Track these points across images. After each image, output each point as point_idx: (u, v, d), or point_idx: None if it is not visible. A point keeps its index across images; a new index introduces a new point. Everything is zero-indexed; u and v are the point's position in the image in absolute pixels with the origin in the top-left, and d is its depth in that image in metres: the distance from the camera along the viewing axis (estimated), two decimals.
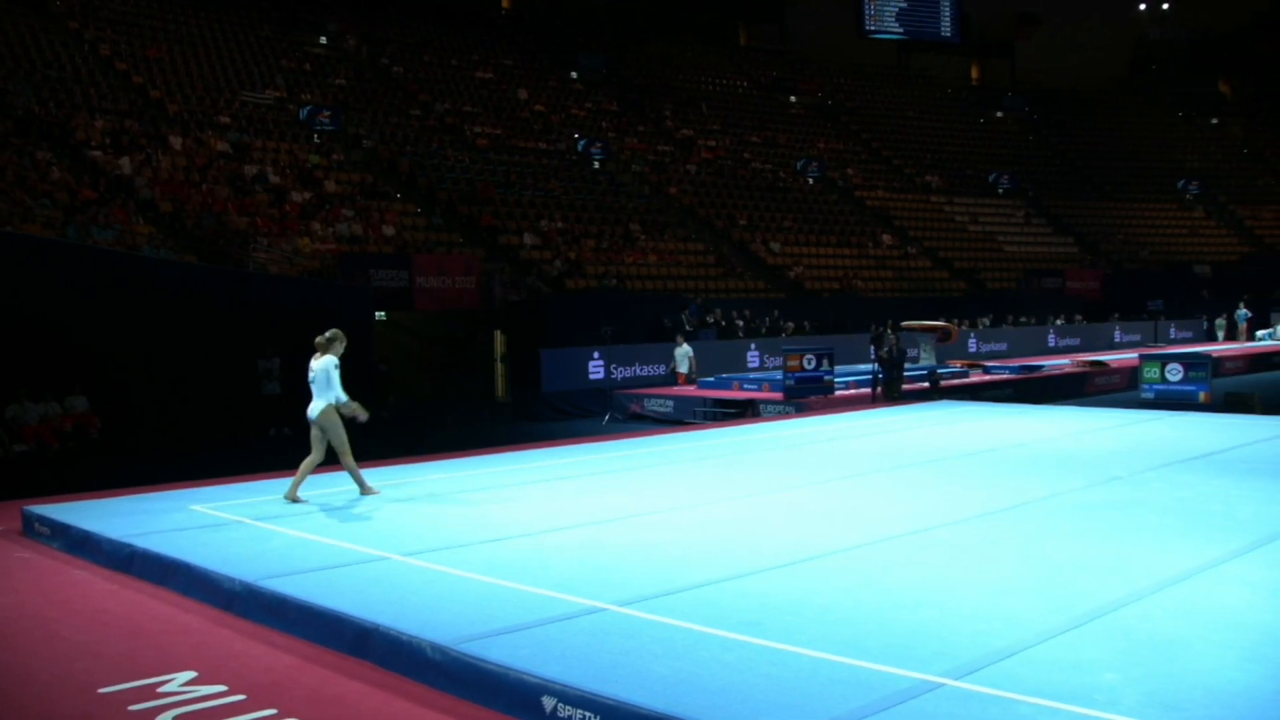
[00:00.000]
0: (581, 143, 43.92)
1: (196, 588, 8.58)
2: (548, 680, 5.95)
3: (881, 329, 26.70)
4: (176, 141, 32.37)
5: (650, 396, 25.27)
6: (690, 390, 26.16)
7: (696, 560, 8.67)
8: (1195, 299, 49.84)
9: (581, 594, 7.61)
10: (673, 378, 27.15)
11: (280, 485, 12.14)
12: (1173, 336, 45.99)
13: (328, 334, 11.69)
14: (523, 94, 46.87)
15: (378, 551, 9.05)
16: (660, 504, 11.10)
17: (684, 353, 26.90)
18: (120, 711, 6.21)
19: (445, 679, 6.45)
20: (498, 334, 28.85)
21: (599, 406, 25.55)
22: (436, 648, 6.56)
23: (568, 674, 5.99)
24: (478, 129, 41.96)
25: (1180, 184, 60.00)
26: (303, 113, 37.61)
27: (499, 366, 28.23)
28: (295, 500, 11.50)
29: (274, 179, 32.26)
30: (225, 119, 35.09)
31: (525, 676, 6.05)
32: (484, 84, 46.52)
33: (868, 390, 24.59)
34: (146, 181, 29.31)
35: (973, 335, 37.24)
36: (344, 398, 11.50)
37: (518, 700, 6.03)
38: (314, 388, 11.58)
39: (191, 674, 6.78)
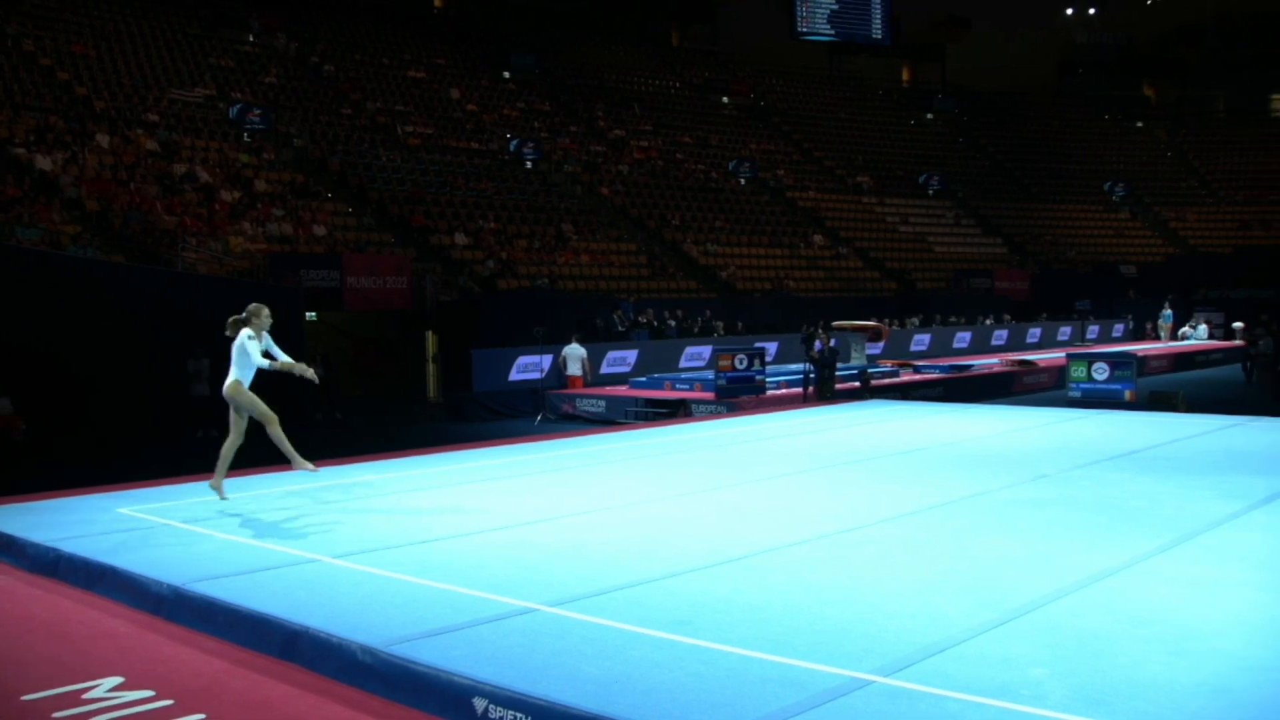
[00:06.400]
0: (514, 143, 43.82)
1: (123, 592, 8.47)
2: (479, 681, 5.94)
3: (813, 329, 26.85)
4: (104, 139, 31.97)
5: (582, 396, 25.26)
6: (623, 390, 26.18)
7: (627, 560, 8.69)
8: (1121, 299, 50.55)
9: (513, 595, 7.60)
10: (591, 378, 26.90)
11: (209, 488, 12.04)
12: (1115, 335, 46.71)
13: (243, 313, 11.31)
14: (455, 93, 46.71)
15: (308, 554, 8.98)
16: (591, 504, 11.10)
17: (576, 353, 26.26)
18: (44, 719, 6.13)
19: (375, 681, 6.41)
20: (429, 334, 28.72)
21: (531, 406, 25.52)
22: (367, 650, 6.53)
23: (499, 675, 5.98)
24: (409, 128, 41.77)
25: (1106, 186, 60.88)
26: (232, 111, 37.25)
27: (430, 367, 28.11)
28: (218, 490, 11.42)
29: (203, 178, 31.93)
30: (153, 117, 34.68)
31: (456, 678, 6.03)
32: (416, 83, 46.30)
33: (800, 390, 24.71)
34: (72, 180, 28.92)
35: (918, 333, 37.55)
36: (266, 362, 11.22)
37: (449, 702, 6.01)
38: (231, 366, 11.32)
39: (118, 679, 6.69)
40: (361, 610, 7.31)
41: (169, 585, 8.09)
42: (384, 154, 38.87)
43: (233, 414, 11.38)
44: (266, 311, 11.38)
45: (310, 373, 11.38)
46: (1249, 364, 32.20)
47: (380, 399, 28.03)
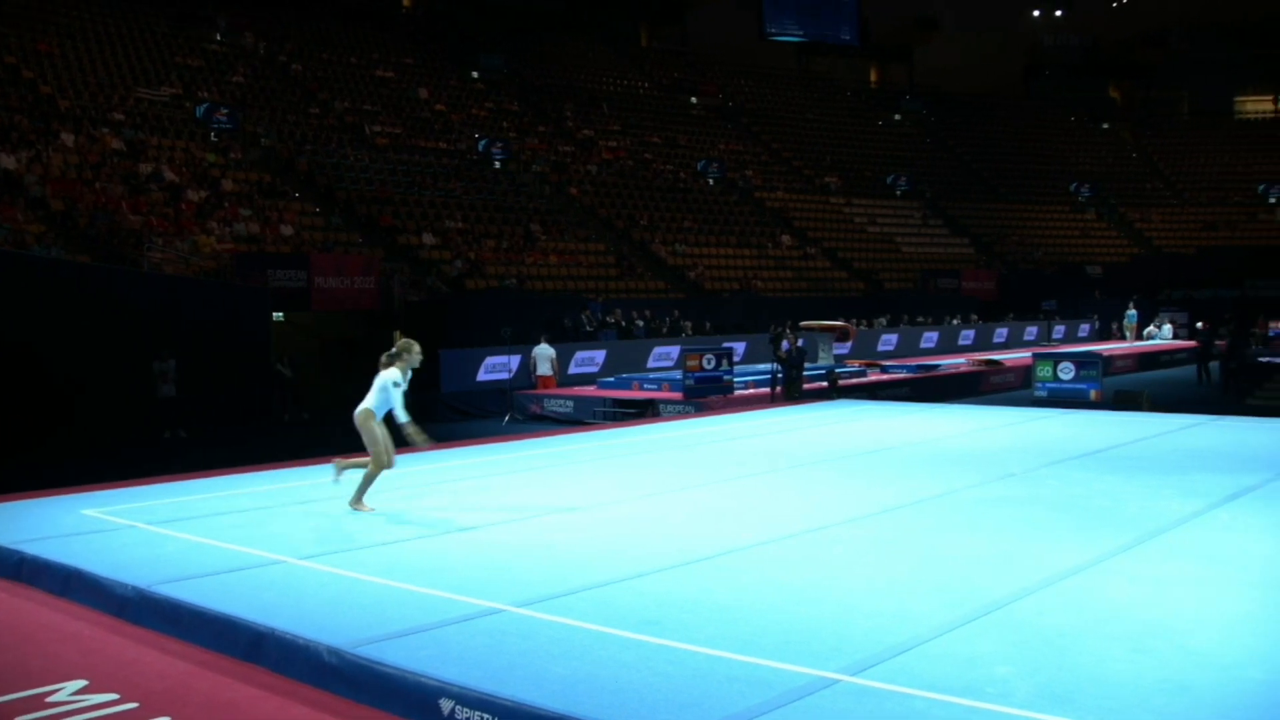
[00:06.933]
0: (482, 142, 43.75)
1: (88, 594, 8.42)
2: (445, 682, 5.94)
3: (781, 329, 26.89)
4: (68, 138, 31.76)
5: (550, 397, 25.23)
6: (590, 390, 26.16)
7: (595, 560, 8.70)
8: (1087, 299, 50.85)
9: (480, 595, 7.60)
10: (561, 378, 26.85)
11: (175, 489, 12.00)
12: (1081, 335, 46.99)
13: (394, 347, 11.04)
14: (423, 93, 46.60)
15: (274, 555, 8.95)
16: (559, 504, 11.10)
17: (545, 353, 25.96)
18: None
19: (341, 683, 6.40)
20: (397, 334, 28.60)
21: (499, 407, 25.48)
22: (332, 651, 6.52)
23: (465, 676, 5.98)
24: (377, 128, 41.65)
25: (1072, 187, 61.26)
26: (199, 110, 37.08)
27: None
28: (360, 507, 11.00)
29: (169, 177, 31.76)
30: (119, 116, 34.48)
31: (422, 679, 6.03)
32: (384, 83, 46.17)
33: (767, 390, 24.75)
34: (37, 179, 28.72)
35: (885, 333, 37.66)
36: (404, 416, 10.78)
37: (415, 703, 6.01)
38: (370, 392, 10.96)
39: (82, 683, 6.66)
40: (328, 611, 7.30)
41: (134, 587, 8.05)
42: (352, 153, 38.77)
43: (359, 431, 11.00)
44: (418, 348, 11.16)
45: (422, 441, 10.88)
46: (1202, 365, 32.43)
47: (347, 399, 27.88)
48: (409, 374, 11.02)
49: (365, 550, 9.12)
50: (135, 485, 12.81)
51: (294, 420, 24.82)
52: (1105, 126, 68.75)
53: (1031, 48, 72.70)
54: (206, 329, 23.53)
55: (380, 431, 10.84)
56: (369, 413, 10.83)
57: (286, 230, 31.75)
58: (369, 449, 10.88)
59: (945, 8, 66.95)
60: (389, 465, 10.91)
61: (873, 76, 71.44)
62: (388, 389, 10.82)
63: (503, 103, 49.14)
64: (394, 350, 11.01)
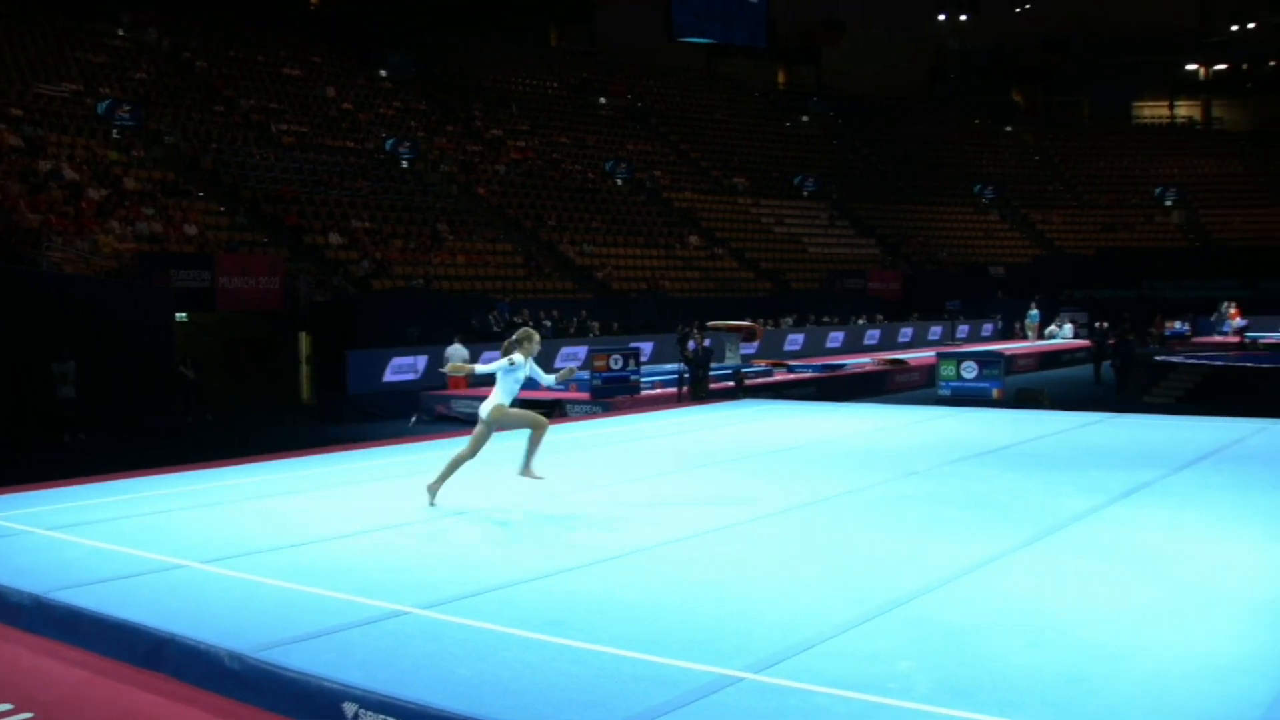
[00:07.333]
0: (389, 142, 43.44)
1: None
2: (349, 686, 5.92)
3: (688, 329, 27.03)
4: None
5: (457, 398, 25.14)
6: None
7: (501, 561, 8.71)
8: (991, 299, 51.60)
9: (384, 598, 7.57)
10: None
11: (75, 493, 11.84)
12: (984, 334, 47.64)
13: (516, 334, 11.24)
14: (330, 92, 46.17)
15: (175, 559, 8.85)
16: (466, 505, 11.08)
17: (458, 354, 25.87)
18: None
19: (244, 688, 6.35)
20: (303, 335, 28.40)
21: (406, 408, 25.35)
22: (235, 656, 6.46)
23: (369, 679, 5.97)
24: (284, 127, 41.20)
25: (976, 188, 62.08)
26: (101, 107, 36.44)
27: (304, 368, 27.80)
28: (433, 494, 11.24)
29: (70, 175, 31.18)
30: (17, 111, 33.77)
31: (326, 683, 6.01)
32: (290, 81, 45.69)
33: (675, 390, 24.86)
34: None
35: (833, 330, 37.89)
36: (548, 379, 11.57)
37: (318, 708, 5.98)
38: (495, 388, 11.20)
39: None
40: (230, 616, 7.24)
41: (30, 594, 7.93)
42: (258, 152, 38.34)
43: (480, 429, 11.16)
44: (537, 338, 11.31)
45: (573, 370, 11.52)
46: (1099, 365, 33.09)
47: (252, 401, 27.66)
48: (530, 361, 11.16)
49: (270, 554, 9.06)
50: (33, 489, 12.58)
51: (197, 422, 24.55)
52: (1008, 129, 69.75)
53: (937, 51, 73.54)
54: (107, 330, 23.17)
55: (517, 412, 11.26)
56: (500, 407, 11.08)
57: (190, 230, 31.33)
58: (521, 424, 11.30)
59: (852, 11, 67.50)
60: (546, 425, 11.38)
61: (780, 78, 71.83)
62: (510, 372, 11.05)
63: (410, 102, 48.83)
64: (515, 338, 11.17)
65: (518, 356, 10.98)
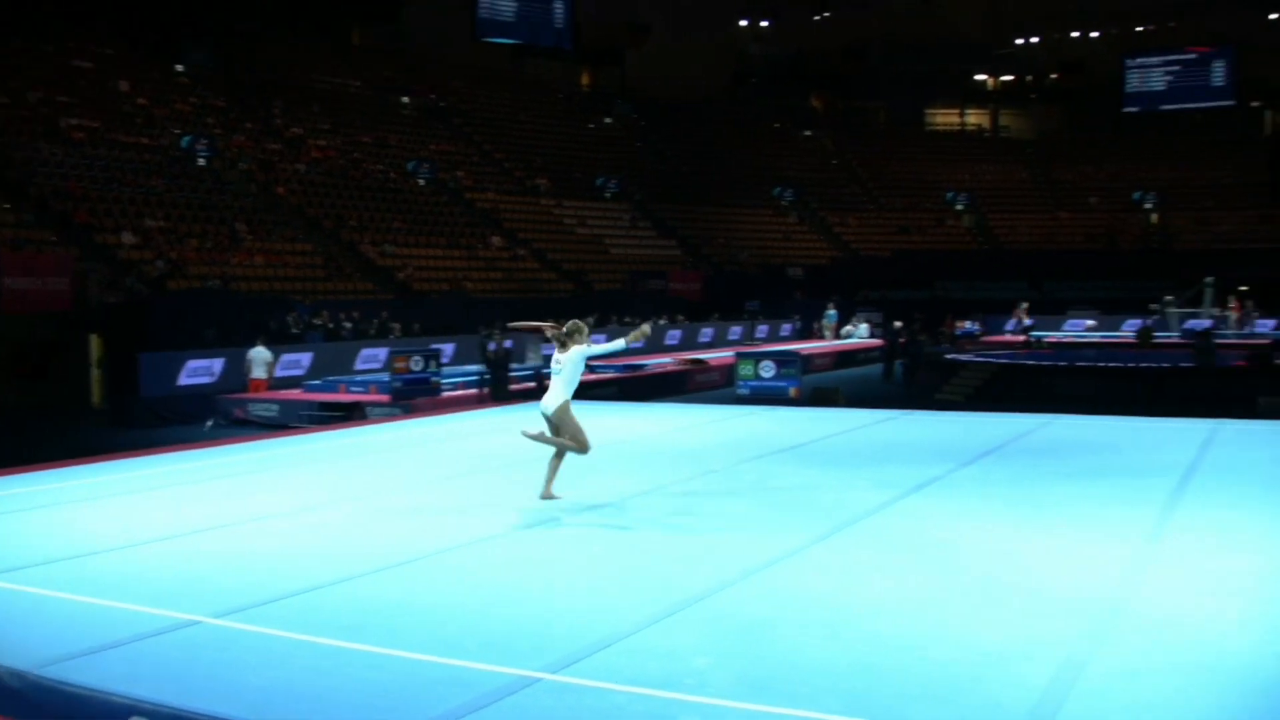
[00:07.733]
0: (186, 139, 42.38)
1: None
2: (137, 700, 5.92)
3: (490, 330, 27.06)
4: None
5: (254, 401, 24.79)
6: (296, 394, 25.79)
7: (297, 567, 8.73)
8: (790, 300, 52.61)
9: (175, 608, 7.55)
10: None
11: None
12: (783, 334, 48.48)
13: (566, 326, 11.34)
14: (124, 86, 44.82)
15: None
16: (261, 511, 11.04)
17: (261, 356, 25.66)
18: None
19: (27, 707, 6.27)
20: (93, 337, 27.62)
21: (202, 412, 24.87)
22: (16, 674, 6.39)
23: (158, 692, 5.97)
24: (74, 121, 39.88)
25: (776, 191, 63.23)
26: None
27: (94, 372, 27.04)
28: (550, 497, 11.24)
29: None
30: None
31: (113, 698, 5.99)
32: (81, 73, 44.22)
33: (476, 391, 24.89)
34: None
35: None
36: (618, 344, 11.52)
37: None
38: (557, 381, 11.16)
39: None
40: (12, 632, 7.15)
41: None
42: (45, 147, 37.07)
43: (547, 427, 11.21)
44: (585, 326, 11.51)
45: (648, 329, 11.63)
46: (890, 363, 34.04)
47: (38, 406, 26.80)
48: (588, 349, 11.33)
49: (54, 565, 8.91)
50: None
51: None
52: (808, 134, 71.18)
53: (740, 57, 74.63)
54: None
55: (579, 423, 11.28)
56: (567, 404, 11.13)
57: None
58: (574, 437, 11.20)
59: (657, 14, 68.08)
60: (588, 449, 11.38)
61: (585, 80, 72.13)
62: (579, 365, 11.20)
63: (208, 98, 47.72)
64: (567, 330, 11.34)
65: (582, 346, 11.22)
